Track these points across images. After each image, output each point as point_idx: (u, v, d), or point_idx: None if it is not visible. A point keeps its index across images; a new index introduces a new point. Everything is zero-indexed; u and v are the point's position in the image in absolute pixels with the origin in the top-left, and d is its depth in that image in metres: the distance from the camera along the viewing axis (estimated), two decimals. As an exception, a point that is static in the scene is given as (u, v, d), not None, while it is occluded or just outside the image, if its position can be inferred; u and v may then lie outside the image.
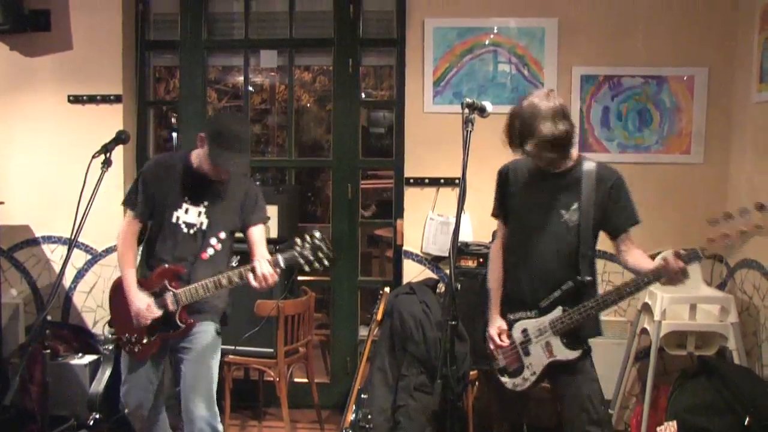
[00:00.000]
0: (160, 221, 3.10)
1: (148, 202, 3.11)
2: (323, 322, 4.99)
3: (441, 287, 3.85)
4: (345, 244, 4.53)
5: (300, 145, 7.03)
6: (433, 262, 4.20)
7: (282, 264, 2.85)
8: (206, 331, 3.09)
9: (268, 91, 7.19)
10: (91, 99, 4.66)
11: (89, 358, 4.13)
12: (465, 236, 4.05)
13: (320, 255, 2.84)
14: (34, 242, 4.78)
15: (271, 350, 3.98)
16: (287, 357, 3.99)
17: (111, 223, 3.98)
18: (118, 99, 4.66)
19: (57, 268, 4.77)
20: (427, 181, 4.26)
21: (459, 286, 3.51)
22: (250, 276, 2.89)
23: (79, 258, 4.73)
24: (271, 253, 3.00)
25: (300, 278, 4.47)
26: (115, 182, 4.39)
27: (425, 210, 4.26)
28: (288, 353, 3.99)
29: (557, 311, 2.73)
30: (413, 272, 4.27)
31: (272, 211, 4.10)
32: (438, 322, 3.51)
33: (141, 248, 3.22)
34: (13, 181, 4.79)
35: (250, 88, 6.14)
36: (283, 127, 7.02)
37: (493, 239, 3.14)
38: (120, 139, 3.04)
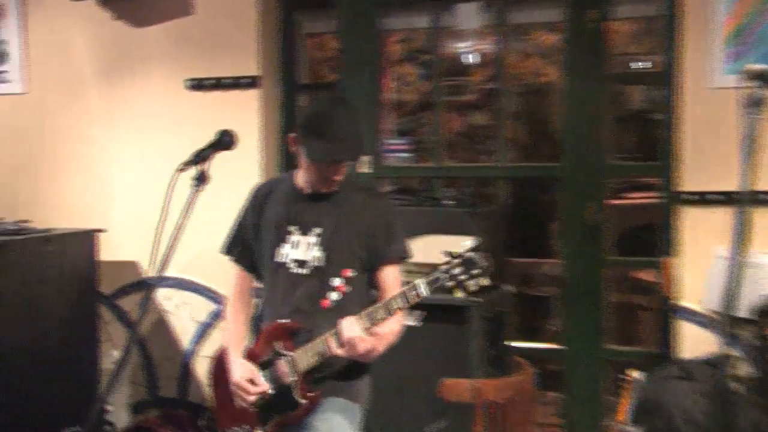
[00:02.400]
0: (264, 263, 3.32)
1: (248, 241, 3.37)
2: (551, 409, 5.03)
3: (737, 368, 3.72)
4: (582, 294, 4.64)
5: (523, 142, 7.07)
6: (724, 325, 4.02)
7: (424, 290, 2.96)
8: (337, 408, 3.20)
9: (492, 65, 7.23)
10: (217, 83, 5.02)
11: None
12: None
13: (474, 272, 2.96)
14: (144, 285, 5.16)
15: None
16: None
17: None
18: (253, 83, 4.96)
19: (176, 322, 5.14)
20: (714, 197, 4.23)
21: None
22: (333, 348, 3.05)
23: (200, 307, 5.08)
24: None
25: (514, 344, 4.57)
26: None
27: (711, 243, 4.20)
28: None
29: None
30: (692, 341, 4.25)
31: (462, 241, 4.06)
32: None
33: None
34: (119, 202, 5.24)
35: (469, 59, 6.26)
36: (514, 116, 6.97)
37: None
38: (220, 143, 3.13)
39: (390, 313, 3.02)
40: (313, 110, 3.17)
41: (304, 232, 3.25)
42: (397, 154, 5.29)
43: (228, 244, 3.44)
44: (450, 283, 2.95)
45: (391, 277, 3.25)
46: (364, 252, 3.22)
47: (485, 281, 2.95)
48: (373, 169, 5.06)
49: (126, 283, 5.26)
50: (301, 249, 3.23)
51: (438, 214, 4.37)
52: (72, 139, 5.40)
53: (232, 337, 3.38)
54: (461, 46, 6.92)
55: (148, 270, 5.09)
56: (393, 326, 3.16)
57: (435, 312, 4.13)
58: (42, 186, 5.47)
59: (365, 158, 5.01)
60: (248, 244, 3.38)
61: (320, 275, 3.20)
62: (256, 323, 3.47)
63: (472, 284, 2.95)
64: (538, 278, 6.32)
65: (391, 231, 3.26)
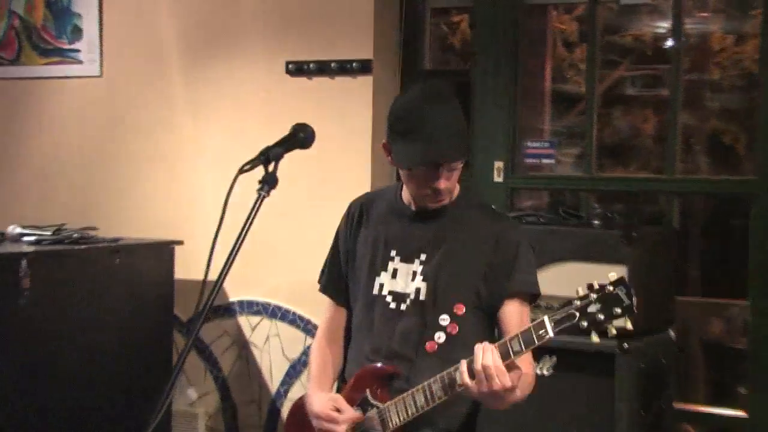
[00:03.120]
0: (357, 297, 3.30)
1: (342, 270, 3.38)
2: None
3: None
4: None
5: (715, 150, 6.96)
6: None
7: (551, 330, 2.83)
8: None
9: (700, 50, 7.06)
10: (323, 68, 4.96)
11: None
12: None
13: (617, 311, 2.82)
14: (228, 311, 5.15)
15: None
16: None
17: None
18: (365, 68, 4.88)
19: (263, 358, 5.08)
20: None
21: None
22: (464, 375, 2.87)
23: (293, 341, 5.02)
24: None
25: (678, 406, 4.39)
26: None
27: None
28: None
29: None
30: None
31: (614, 272, 4.03)
32: None
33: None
34: (202, 208, 5.20)
35: (669, 42, 6.02)
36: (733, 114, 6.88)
37: None
38: (295, 140, 3.07)
39: (522, 348, 2.92)
40: (400, 107, 3.14)
41: (408, 258, 3.24)
42: (543, 160, 5.22)
43: (322, 275, 3.47)
44: (584, 324, 2.86)
45: (516, 316, 3.16)
46: (482, 284, 3.16)
47: (629, 324, 2.85)
48: (504, 178, 5.01)
49: (212, 306, 5.15)
50: (401, 279, 3.22)
51: (582, 237, 4.28)
52: (150, 131, 5.43)
53: (317, 382, 3.34)
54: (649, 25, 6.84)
55: (228, 292, 5.02)
56: (530, 369, 3.11)
57: (570, 359, 3.97)
58: (113, 187, 5.50)
59: (498, 164, 4.98)
60: (343, 275, 3.39)
61: (424, 311, 3.17)
62: (343, 368, 3.41)
63: (612, 327, 2.87)
64: (717, 323, 6.17)
65: (520, 259, 3.19)
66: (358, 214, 3.36)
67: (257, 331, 5.11)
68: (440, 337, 3.13)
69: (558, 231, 4.31)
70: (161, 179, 5.38)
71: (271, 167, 2.93)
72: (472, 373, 2.88)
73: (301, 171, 4.22)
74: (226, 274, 2.84)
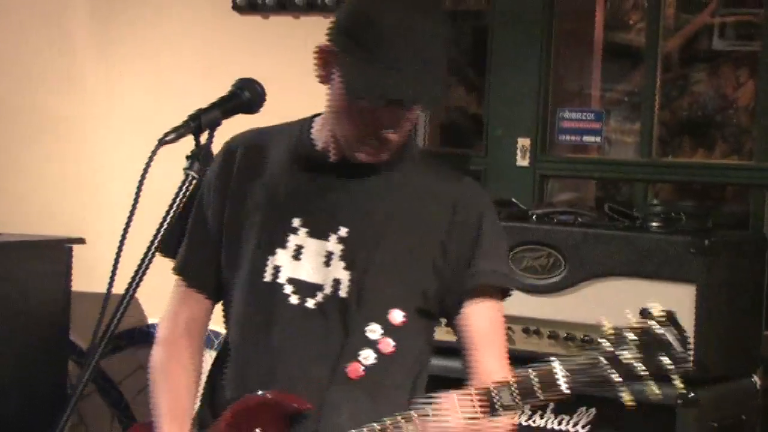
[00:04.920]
0: (236, 284, 3.14)
1: (208, 244, 3.18)
2: None
3: None
4: None
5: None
6: None
7: (564, 384, 2.77)
8: None
9: None
10: (283, 2, 5.03)
11: None
12: None
13: (663, 361, 2.73)
14: (145, 337, 5.19)
15: None
16: None
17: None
18: (342, 2, 4.90)
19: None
20: None
21: None
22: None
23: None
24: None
25: None
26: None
27: None
28: None
29: None
30: None
31: (679, 294, 4.13)
32: None
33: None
34: (112, 197, 5.25)
35: None
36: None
37: None
38: (238, 100, 2.99)
39: (516, 403, 2.81)
40: (364, 5, 2.92)
41: (319, 231, 3.06)
42: (586, 137, 5.21)
43: (177, 248, 3.21)
44: (615, 376, 2.75)
45: (482, 322, 3.06)
46: (431, 279, 3.04)
47: (679, 383, 2.72)
48: (531, 161, 5.05)
49: (118, 330, 5.18)
50: (307, 261, 3.06)
51: (636, 244, 4.28)
52: (41, 87, 5.48)
53: (169, 420, 3.12)
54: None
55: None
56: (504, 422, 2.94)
57: (613, 412, 4.00)
58: None
59: (523, 142, 4.96)
60: (209, 251, 3.16)
61: (345, 316, 3.01)
62: (209, 395, 3.23)
63: (652, 386, 2.73)
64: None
65: (485, 237, 3.06)
66: (241, 159, 3.15)
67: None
68: (368, 357, 3.00)
69: (602, 236, 4.31)
70: (55, 153, 5.44)
71: (204, 138, 2.87)
72: None
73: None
74: (137, 285, 2.74)
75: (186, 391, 3.15)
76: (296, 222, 3.05)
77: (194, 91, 5.01)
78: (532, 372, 2.76)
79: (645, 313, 2.77)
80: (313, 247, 3.04)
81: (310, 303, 3.01)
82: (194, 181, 2.81)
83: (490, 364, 3.00)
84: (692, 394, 3.83)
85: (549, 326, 3.85)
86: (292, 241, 3.05)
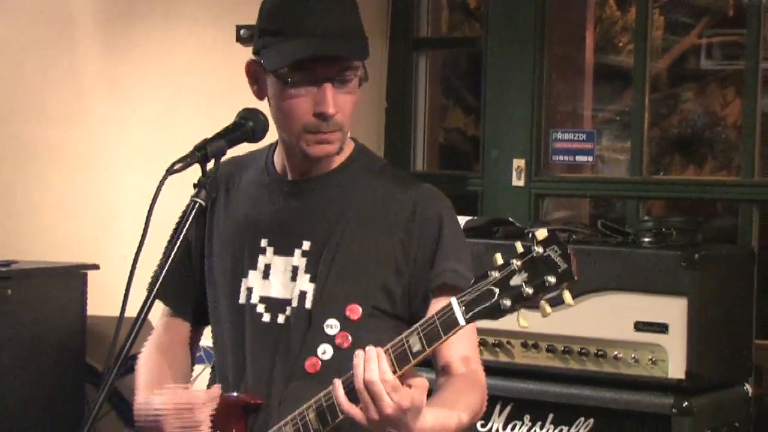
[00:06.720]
0: (216, 306, 3.19)
1: (187, 272, 3.23)
2: None
3: None
4: None
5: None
6: None
7: (462, 316, 2.73)
8: None
9: None
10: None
11: None
12: None
13: (551, 280, 2.72)
14: None
15: None
16: None
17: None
18: None
19: None
20: None
21: None
22: (340, 399, 2.76)
23: None
24: None
25: None
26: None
27: None
28: None
29: None
30: None
31: (672, 306, 4.17)
32: None
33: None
34: (123, 224, 5.28)
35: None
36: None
37: None
38: (243, 129, 3.02)
39: (424, 347, 2.80)
40: (272, 3, 3.00)
41: (284, 248, 3.10)
42: (578, 157, 5.24)
43: (159, 280, 3.09)
44: (506, 302, 2.75)
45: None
46: (391, 277, 3.07)
47: (569, 297, 2.70)
48: (526, 181, 5.08)
49: (132, 352, 5.22)
50: (275, 279, 3.10)
51: (629, 259, 4.30)
52: (53, 119, 5.48)
53: (148, 388, 3.12)
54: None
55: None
56: (473, 375, 3.01)
57: (610, 421, 4.03)
58: (2, 194, 5.56)
59: (518, 163, 5.00)
60: (188, 280, 3.22)
61: (306, 322, 3.03)
62: None
63: (545, 303, 2.75)
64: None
65: (445, 239, 3.08)
66: (222, 184, 3.20)
67: (201, 384, 5.14)
68: (325, 351, 2.99)
69: (596, 252, 4.33)
70: (68, 183, 5.45)
71: (210, 166, 2.91)
72: (353, 394, 2.78)
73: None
74: (149, 308, 2.82)
75: (169, 371, 3.18)
76: (263, 242, 3.09)
77: (200, 121, 5.03)
78: (435, 315, 2.77)
79: (529, 238, 2.79)
80: (280, 265, 3.08)
81: (281, 318, 3.04)
82: (200, 207, 2.85)
83: (461, 351, 3.01)
84: (686, 403, 3.85)
85: (547, 340, 3.84)
86: (261, 261, 3.09)
